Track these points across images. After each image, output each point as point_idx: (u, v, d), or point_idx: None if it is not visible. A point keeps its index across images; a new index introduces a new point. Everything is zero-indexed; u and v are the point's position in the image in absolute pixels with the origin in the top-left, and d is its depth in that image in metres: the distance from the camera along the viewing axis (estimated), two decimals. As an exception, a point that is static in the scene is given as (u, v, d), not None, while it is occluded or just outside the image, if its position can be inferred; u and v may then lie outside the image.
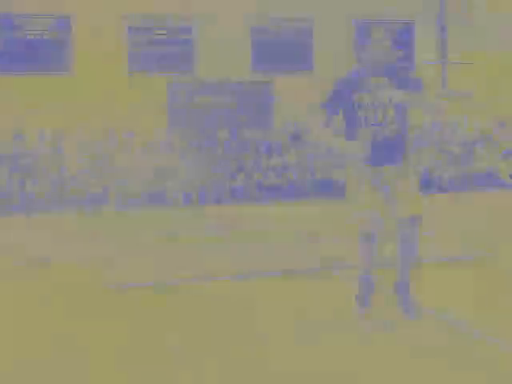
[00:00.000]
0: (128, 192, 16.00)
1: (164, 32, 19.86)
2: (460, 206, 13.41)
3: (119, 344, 3.56)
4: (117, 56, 19.29)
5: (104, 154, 17.71)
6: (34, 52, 18.87)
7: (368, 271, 4.04)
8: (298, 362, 3.19)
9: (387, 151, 3.82)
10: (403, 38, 21.18)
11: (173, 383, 2.95)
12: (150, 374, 3.08)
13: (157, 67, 19.54)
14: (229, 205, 15.73)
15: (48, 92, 18.43)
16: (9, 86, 18.32)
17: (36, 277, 6.00)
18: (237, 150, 18.13)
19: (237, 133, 19.12)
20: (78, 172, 16.64)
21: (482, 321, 3.63)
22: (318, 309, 4.26)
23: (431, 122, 20.45)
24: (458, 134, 20.00)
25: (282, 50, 20.55)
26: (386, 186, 3.92)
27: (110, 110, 18.46)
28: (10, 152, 17.23)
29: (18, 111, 17.76)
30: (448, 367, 3.00)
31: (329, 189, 17.06)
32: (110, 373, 3.11)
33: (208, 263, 6.21)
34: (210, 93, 19.91)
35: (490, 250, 6.20)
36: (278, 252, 6.91)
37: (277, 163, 17.34)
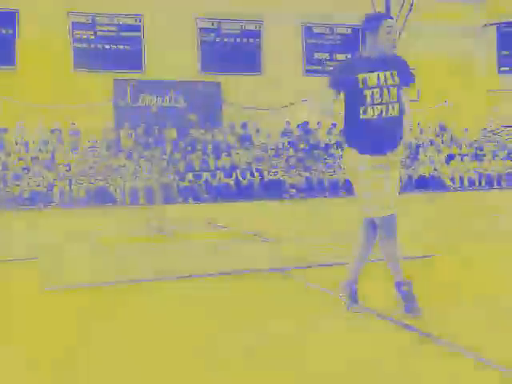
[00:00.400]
0: (73, 190, 15.66)
1: (113, 29, 19.58)
2: (406, 207, 13.73)
3: (51, 347, 3.48)
4: (61, 52, 18.90)
5: (49, 152, 17.29)
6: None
7: (361, 261, 3.98)
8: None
9: (389, 134, 3.73)
10: (351, 42, 21.60)
11: None
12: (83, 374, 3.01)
13: (104, 64, 19.23)
14: (176, 204, 15.64)
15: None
16: None
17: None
18: (185, 149, 18.02)
19: (185, 133, 19.03)
20: (21, 169, 16.15)
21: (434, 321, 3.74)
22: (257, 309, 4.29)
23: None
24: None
25: (231, 52, 20.61)
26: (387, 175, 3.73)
27: (55, 107, 18.07)
28: None
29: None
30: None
31: (276, 189, 17.23)
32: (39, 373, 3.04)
33: (143, 264, 6.14)
34: (158, 92, 19.75)
35: (436, 249, 6.39)
36: (221, 252, 6.93)
37: (225, 164, 17.36)
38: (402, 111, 3.77)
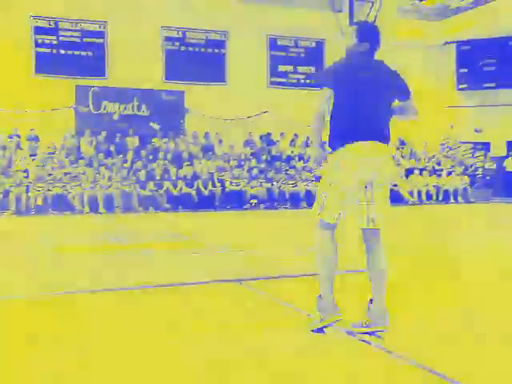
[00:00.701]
0: (30, 197, 15.33)
1: (76, 35, 19.34)
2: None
3: None
4: (22, 56, 18.57)
5: (6, 157, 16.91)
6: None
7: (331, 268, 3.77)
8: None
9: (373, 120, 3.65)
10: (315, 55, 21.86)
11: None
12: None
13: (66, 70, 18.97)
14: (135, 213, 15.49)
15: None
16: None
17: None
18: (146, 158, 17.87)
19: (147, 141, 18.88)
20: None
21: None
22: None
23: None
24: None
25: (195, 62, 20.59)
26: (372, 174, 3.56)
27: (14, 112, 17.73)
28: None
29: None
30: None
31: (238, 200, 17.22)
32: None
33: (91, 274, 6.05)
34: (121, 100, 19.57)
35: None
36: (178, 262, 6.88)
37: (187, 173, 17.27)
38: (386, 107, 3.74)
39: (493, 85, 22.93)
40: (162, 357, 3.33)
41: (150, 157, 17.97)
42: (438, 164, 21.16)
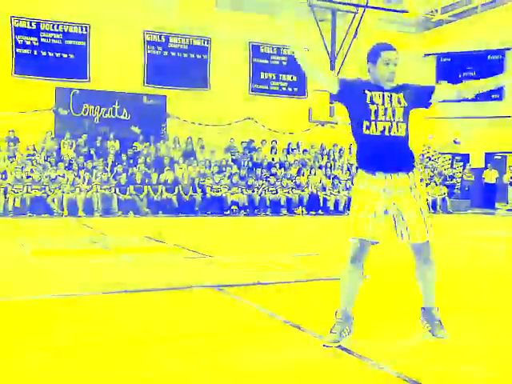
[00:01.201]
0: (8, 199, 15.16)
1: (58, 37, 19.22)
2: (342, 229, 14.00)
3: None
4: (2, 57, 18.40)
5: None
6: None
7: (349, 303, 3.74)
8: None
9: (391, 154, 3.64)
10: (296, 64, 21.92)
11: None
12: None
13: (46, 72, 18.83)
14: (115, 217, 15.40)
15: None
16: None
17: None
18: (127, 162, 17.79)
19: (128, 145, 18.79)
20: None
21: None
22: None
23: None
24: (344, 160, 20.90)
25: (178, 67, 20.58)
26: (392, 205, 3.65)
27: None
28: None
29: None
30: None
31: (218, 206, 17.22)
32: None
33: (70, 277, 6.02)
34: (102, 103, 19.47)
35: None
36: (156, 267, 6.86)
37: (168, 178, 17.22)
38: (408, 134, 3.70)
39: (472, 97, 23.21)
40: (135, 362, 3.32)
41: (131, 161, 17.90)
42: (417, 174, 21.36)
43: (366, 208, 3.64)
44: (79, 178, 16.26)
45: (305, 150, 20.92)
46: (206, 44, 21.07)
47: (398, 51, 3.71)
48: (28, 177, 15.76)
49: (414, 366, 3.29)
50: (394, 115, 3.61)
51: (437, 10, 21.85)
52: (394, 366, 3.21)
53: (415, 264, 3.86)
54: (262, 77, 21.82)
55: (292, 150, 20.97)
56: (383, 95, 3.63)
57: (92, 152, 18.03)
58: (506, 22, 19.82)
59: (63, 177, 16.13)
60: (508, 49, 22.37)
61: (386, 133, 3.60)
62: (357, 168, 3.77)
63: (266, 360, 3.36)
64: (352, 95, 3.67)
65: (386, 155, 3.62)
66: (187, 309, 4.72)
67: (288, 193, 18.00)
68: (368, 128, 3.62)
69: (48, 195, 15.54)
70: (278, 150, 20.73)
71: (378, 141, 3.61)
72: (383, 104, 3.62)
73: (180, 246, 8.89)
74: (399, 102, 3.65)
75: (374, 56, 3.70)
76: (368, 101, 3.62)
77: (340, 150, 21.32)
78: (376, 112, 3.60)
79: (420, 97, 3.82)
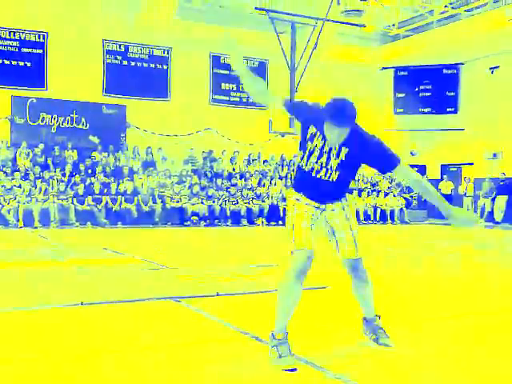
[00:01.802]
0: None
1: (14, 44, 18.85)
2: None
3: None
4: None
5: None
6: None
7: (287, 320, 3.53)
8: None
9: (324, 193, 3.61)
10: (257, 74, 22.04)
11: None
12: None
13: (2, 80, 18.46)
14: (72, 228, 15.14)
15: None
16: None
17: None
18: (85, 172, 17.53)
19: (86, 155, 18.52)
20: None
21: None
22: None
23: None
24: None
25: (138, 77, 20.44)
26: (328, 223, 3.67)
27: None
28: None
29: None
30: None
31: (178, 216, 17.12)
32: None
33: (22, 290, 5.90)
34: (60, 112, 19.16)
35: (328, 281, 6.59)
36: (113, 279, 6.78)
37: (127, 188, 17.03)
38: (345, 176, 3.56)
39: (428, 110, 23.81)
40: (89, 376, 3.26)
41: (89, 171, 17.65)
42: (376, 185, 21.72)
43: (304, 217, 3.57)
44: (35, 188, 15.93)
45: (265, 161, 21.02)
46: (166, 54, 21.01)
47: (346, 129, 3.35)
48: (-18, 187, 15.37)
49: (370, 374, 3.32)
50: (327, 163, 3.50)
51: (394, 25, 22.30)
52: (352, 376, 3.24)
53: (351, 280, 3.82)
54: (223, 87, 21.86)
55: (252, 160, 21.04)
56: (324, 143, 3.46)
57: (49, 162, 17.70)
58: (461, 37, 20.38)
59: (19, 187, 15.78)
60: (462, 63, 23.00)
61: (315, 174, 3.55)
62: (293, 187, 3.72)
63: (225, 372, 3.34)
64: (302, 119, 3.58)
65: (316, 191, 3.60)
66: (145, 321, 4.66)
67: (248, 203, 18.03)
68: (301, 159, 3.60)
69: (3, 206, 15.18)
70: (239, 160, 20.77)
71: (310, 177, 3.57)
72: (320, 149, 3.48)
73: (139, 257, 8.79)
74: (338, 156, 3.46)
75: (325, 112, 3.35)
76: (308, 137, 3.52)
77: (300, 160, 21.45)
78: (310, 152, 3.52)
79: (376, 162, 3.54)
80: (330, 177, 3.54)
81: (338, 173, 3.53)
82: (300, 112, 3.62)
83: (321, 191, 3.60)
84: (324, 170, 3.53)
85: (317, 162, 3.52)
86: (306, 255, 3.49)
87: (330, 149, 3.48)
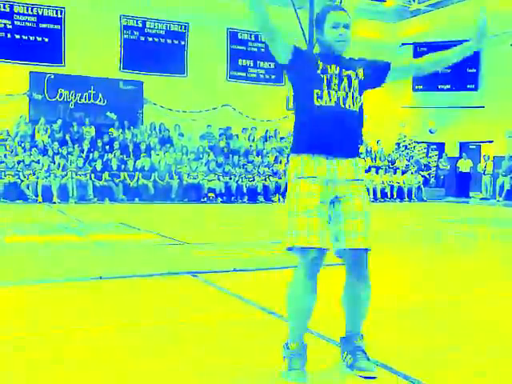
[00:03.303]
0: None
1: (32, 19, 18.86)
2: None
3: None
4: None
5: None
6: None
7: (304, 329, 2.95)
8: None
9: (346, 132, 2.96)
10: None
11: None
12: None
13: (20, 55, 18.50)
14: (92, 204, 15.27)
15: None
16: None
17: None
18: (103, 148, 17.62)
19: (104, 131, 18.59)
20: None
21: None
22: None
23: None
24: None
25: (155, 52, 20.38)
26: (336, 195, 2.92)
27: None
28: None
29: None
30: None
31: (195, 193, 17.19)
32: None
33: (43, 265, 5.98)
34: (77, 88, 19.20)
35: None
36: (132, 253, 6.85)
37: (144, 165, 17.11)
38: (362, 111, 3.09)
39: (447, 87, 23.47)
40: (110, 350, 3.31)
41: (107, 147, 17.73)
42: (393, 162, 21.57)
43: (312, 201, 2.88)
44: (54, 163, 16.05)
45: (282, 138, 20.94)
46: (183, 30, 20.88)
47: (349, 14, 3.07)
48: (1, 162, 15.52)
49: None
50: (349, 86, 2.99)
51: (414, 0, 21.93)
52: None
53: (345, 283, 3.02)
54: (240, 63, 21.72)
55: (269, 137, 20.97)
56: (339, 66, 3.01)
57: (67, 138, 17.80)
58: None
59: (38, 162, 15.92)
60: (484, 39, 22.57)
61: (341, 104, 2.95)
62: (296, 151, 3.01)
63: (243, 347, 3.37)
64: (303, 65, 3.00)
65: (338, 131, 2.94)
66: (163, 296, 4.71)
67: (265, 180, 18.02)
68: (320, 98, 2.94)
69: (22, 181, 15.34)
70: (256, 137, 20.72)
71: (331, 113, 2.93)
72: (338, 74, 2.99)
73: (156, 232, 8.86)
74: (357, 75, 3.05)
75: (320, 21, 3.07)
76: (319, 71, 2.97)
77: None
78: (329, 81, 2.96)
79: (377, 74, 3.17)
80: (355, 104, 3.00)
81: (360, 99, 3.03)
82: (304, 52, 3.13)
83: (345, 129, 2.96)
84: (350, 95, 2.98)
85: (339, 89, 2.97)
86: (316, 254, 2.83)
87: (348, 68, 3.03)
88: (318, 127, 2.94)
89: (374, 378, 2.86)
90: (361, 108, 3.05)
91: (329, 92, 2.94)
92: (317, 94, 2.94)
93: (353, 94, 2.99)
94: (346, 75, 3.00)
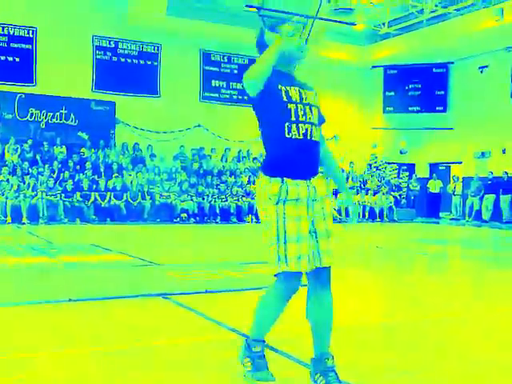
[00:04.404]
0: None
1: (3, 39, 18.68)
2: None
3: None
4: None
5: None
6: None
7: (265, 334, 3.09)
8: None
9: (313, 160, 3.00)
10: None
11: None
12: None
13: (-10, 75, 18.31)
14: (61, 224, 15.06)
15: None
16: None
17: None
18: (74, 168, 17.44)
19: (75, 151, 18.41)
20: None
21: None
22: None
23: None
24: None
25: (128, 73, 20.35)
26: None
27: None
28: None
29: None
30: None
31: (167, 213, 17.10)
32: None
33: (10, 287, 5.89)
34: (49, 107, 19.03)
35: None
36: (101, 276, 6.77)
37: (116, 185, 16.98)
38: (322, 138, 3.12)
39: (417, 108, 23.90)
40: (76, 374, 3.26)
41: (78, 167, 17.56)
42: (365, 183, 21.79)
43: (300, 223, 2.91)
44: (24, 183, 15.84)
45: (255, 158, 21.01)
46: (156, 50, 20.93)
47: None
48: (-31, 182, 15.27)
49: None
50: (312, 116, 3.03)
51: (384, 24, 22.35)
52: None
53: (309, 297, 3.02)
54: (213, 84, 21.81)
55: (242, 157, 21.03)
56: (299, 90, 3.03)
57: (37, 157, 17.59)
58: (451, 36, 20.47)
59: (7, 182, 15.69)
60: (451, 62, 23.11)
61: (308, 137, 2.97)
62: (271, 174, 2.96)
63: (214, 370, 3.34)
64: (268, 93, 2.95)
65: (307, 161, 2.97)
66: (133, 318, 4.65)
67: (238, 201, 18.03)
68: (290, 131, 2.94)
69: (-9, 201, 15.08)
70: (229, 157, 20.75)
71: (301, 145, 2.95)
72: (301, 101, 3.01)
73: (127, 253, 8.77)
74: (316, 101, 3.10)
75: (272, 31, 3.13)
76: (285, 98, 2.97)
77: (290, 158, 21.46)
78: (296, 111, 2.97)
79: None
80: (317, 133, 3.03)
81: (320, 130, 3.09)
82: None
83: (313, 157, 3.02)
84: (314, 128, 3.02)
85: (306, 120, 2.99)
86: (298, 280, 2.89)
87: (307, 94, 3.05)
88: (289, 156, 2.95)
89: None
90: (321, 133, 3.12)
91: (297, 125, 2.95)
92: (287, 127, 2.95)
93: (316, 126, 3.04)
94: (307, 103, 3.02)
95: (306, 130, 2.97)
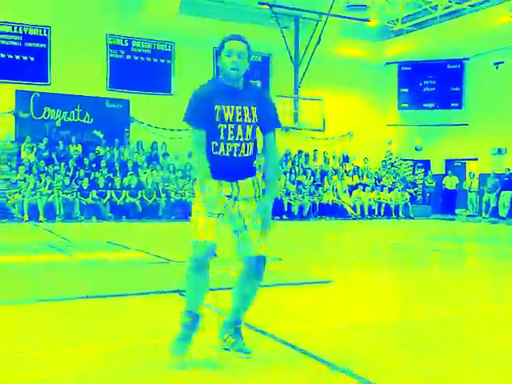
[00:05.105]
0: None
1: (17, 39, 18.84)
2: (308, 232, 14.11)
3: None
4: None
5: None
6: None
7: (196, 307, 3.55)
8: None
9: (238, 173, 3.41)
10: (261, 69, 22.06)
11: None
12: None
13: (5, 74, 18.46)
14: (78, 222, 15.16)
15: None
16: None
17: None
18: (90, 166, 17.55)
19: (90, 149, 18.53)
20: None
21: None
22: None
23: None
24: (308, 166, 21.06)
25: (141, 71, 20.43)
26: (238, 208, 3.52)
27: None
28: None
29: None
30: None
31: (182, 211, 17.13)
32: None
33: (27, 285, 5.92)
34: (64, 106, 19.16)
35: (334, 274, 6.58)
36: (119, 272, 6.79)
37: (131, 183, 17.06)
38: (255, 151, 3.47)
39: (432, 105, 23.75)
40: (94, 370, 3.27)
41: (93, 165, 17.67)
42: (380, 180, 21.69)
43: (211, 207, 3.52)
44: (40, 182, 15.96)
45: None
46: (169, 49, 20.99)
47: (247, 45, 3.44)
48: (-14, 181, 15.42)
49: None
50: (244, 135, 3.36)
51: (398, 20, 22.22)
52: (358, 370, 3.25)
53: (240, 278, 3.64)
54: (227, 82, 21.78)
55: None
56: (234, 106, 3.33)
57: (53, 156, 17.72)
58: (465, 32, 20.31)
59: (24, 181, 15.82)
60: (466, 59, 22.93)
61: (235, 154, 3.35)
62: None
63: (230, 365, 3.35)
64: (205, 113, 3.34)
65: (232, 171, 3.39)
66: (150, 314, 4.67)
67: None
68: (216, 149, 3.35)
69: (8, 199, 15.22)
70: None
71: (227, 160, 3.36)
72: (234, 121, 3.33)
73: (143, 251, 8.81)
74: (251, 118, 3.38)
75: (219, 48, 3.49)
76: (217, 119, 3.32)
77: (305, 155, 21.47)
78: (225, 131, 3.32)
79: (264, 120, 3.45)
80: (248, 151, 3.40)
81: (252, 144, 3.42)
82: (202, 98, 3.40)
83: (237, 169, 3.41)
84: (243, 145, 3.37)
85: (235, 140, 3.33)
86: (204, 248, 3.51)
87: (243, 113, 3.34)
88: (218, 168, 3.35)
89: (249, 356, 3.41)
90: (255, 146, 3.44)
91: (225, 144, 3.33)
92: (214, 146, 3.34)
93: (246, 143, 3.36)
94: (240, 122, 3.31)
95: (233, 148, 3.33)
